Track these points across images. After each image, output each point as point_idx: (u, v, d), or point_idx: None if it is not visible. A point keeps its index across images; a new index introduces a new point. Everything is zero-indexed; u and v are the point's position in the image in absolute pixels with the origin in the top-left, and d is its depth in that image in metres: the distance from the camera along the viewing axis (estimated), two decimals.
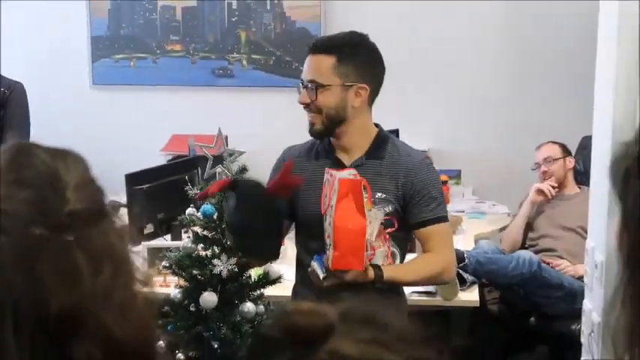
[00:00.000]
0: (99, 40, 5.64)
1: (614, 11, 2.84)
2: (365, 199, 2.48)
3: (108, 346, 1.02)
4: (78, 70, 5.62)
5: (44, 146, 1.10)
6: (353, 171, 2.57)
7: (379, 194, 2.63)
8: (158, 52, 5.62)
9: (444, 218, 2.74)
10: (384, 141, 2.78)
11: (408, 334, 0.90)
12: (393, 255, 2.63)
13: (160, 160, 4.95)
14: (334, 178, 2.49)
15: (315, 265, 2.52)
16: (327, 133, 2.72)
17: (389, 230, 2.59)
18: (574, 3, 4.87)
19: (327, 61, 2.65)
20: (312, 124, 2.70)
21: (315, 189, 2.65)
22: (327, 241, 2.49)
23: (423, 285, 2.87)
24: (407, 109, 5.32)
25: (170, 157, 4.99)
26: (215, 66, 5.54)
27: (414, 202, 2.68)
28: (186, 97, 5.55)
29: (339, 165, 2.70)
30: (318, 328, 0.88)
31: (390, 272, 2.56)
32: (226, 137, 4.12)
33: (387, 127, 5.08)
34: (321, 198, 2.57)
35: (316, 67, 2.67)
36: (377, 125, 2.82)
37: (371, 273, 2.48)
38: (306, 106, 2.67)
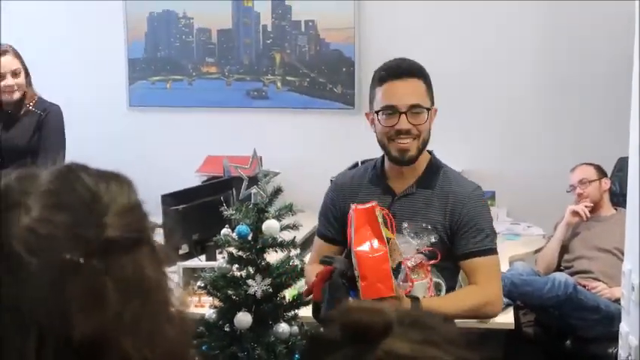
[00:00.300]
0: (136, 62, 5.69)
1: None
2: (385, 228, 2.46)
3: None
4: (115, 92, 5.66)
5: (92, 169, 1.09)
6: (373, 203, 2.53)
7: (424, 224, 2.57)
8: (194, 74, 5.65)
9: (491, 251, 2.68)
10: (436, 169, 2.76)
11: (455, 337, 0.92)
12: (437, 286, 2.60)
13: (195, 180, 4.97)
14: (351, 209, 2.48)
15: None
16: (416, 160, 2.67)
17: (432, 262, 2.58)
18: (610, 25, 4.84)
19: (422, 85, 2.65)
20: (405, 151, 2.63)
21: None
22: (356, 273, 2.45)
23: (464, 318, 2.74)
24: (441, 130, 5.28)
25: (205, 178, 5.00)
26: (250, 87, 5.55)
27: (461, 233, 2.65)
28: (221, 119, 5.57)
29: (390, 193, 2.70)
30: (379, 325, 0.89)
31: (427, 303, 2.48)
32: (261, 158, 4.15)
33: None
34: (347, 234, 2.53)
35: (416, 90, 2.63)
36: (430, 152, 2.79)
37: (407, 303, 2.40)
38: (405, 132, 2.60)
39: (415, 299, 2.45)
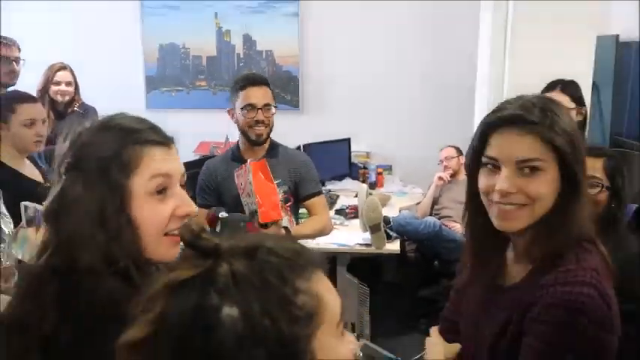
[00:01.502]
0: (150, 78, 5.57)
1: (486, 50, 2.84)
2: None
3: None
4: (137, 98, 5.54)
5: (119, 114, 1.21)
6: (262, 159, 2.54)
7: (277, 180, 2.56)
8: (190, 86, 5.55)
9: (320, 193, 2.76)
10: (276, 146, 2.75)
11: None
12: (292, 221, 2.63)
13: (193, 158, 4.87)
14: (245, 166, 2.44)
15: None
16: (266, 141, 2.68)
17: (289, 204, 2.59)
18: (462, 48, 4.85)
19: (269, 91, 2.67)
20: (260, 135, 2.62)
21: (232, 182, 2.56)
22: (252, 207, 2.40)
23: (314, 237, 2.83)
24: (356, 124, 5.30)
25: (199, 156, 4.93)
26: (229, 96, 5.40)
27: (301, 183, 2.69)
28: (209, 116, 5.46)
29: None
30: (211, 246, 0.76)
31: (293, 230, 2.54)
32: (232, 142, 4.13)
33: (341, 136, 5.12)
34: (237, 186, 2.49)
35: (266, 93, 2.66)
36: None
37: (282, 230, 2.42)
38: (261, 122, 2.60)
39: (286, 228, 2.46)
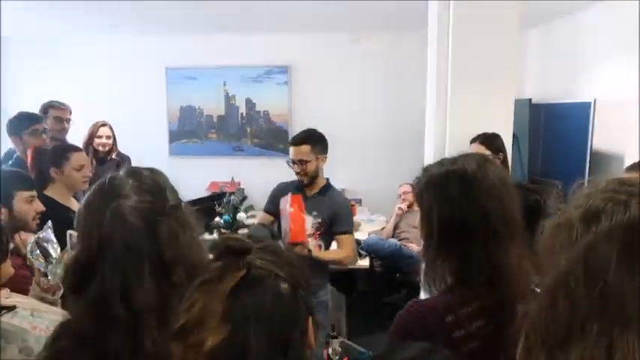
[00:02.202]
0: (173, 132, 5.57)
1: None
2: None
3: (190, 272, 1.00)
4: (162, 148, 5.55)
5: (144, 168, 1.11)
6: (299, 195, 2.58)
7: (316, 212, 2.63)
8: (204, 138, 5.56)
9: (349, 232, 2.75)
10: (328, 187, 2.79)
11: (294, 262, 0.88)
12: (320, 246, 2.65)
13: (206, 194, 4.85)
14: (286, 197, 2.49)
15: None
16: (309, 185, 2.70)
17: (318, 232, 2.62)
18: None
19: (307, 147, 2.67)
20: (301, 180, 2.67)
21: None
22: (286, 229, 2.45)
23: (336, 264, 2.82)
24: (335, 167, 5.31)
25: (210, 193, 4.92)
26: (234, 145, 5.49)
27: (336, 220, 2.70)
28: (219, 162, 5.49)
29: (304, 195, 2.69)
30: (241, 246, 0.86)
31: (316, 253, 2.55)
32: (239, 182, 4.11)
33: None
34: (279, 210, 2.57)
35: (302, 151, 2.66)
36: (327, 179, 2.83)
37: (306, 251, 2.45)
38: (297, 173, 2.66)
39: (309, 250, 2.48)
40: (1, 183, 1.99)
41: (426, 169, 1.23)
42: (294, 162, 2.67)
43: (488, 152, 2.68)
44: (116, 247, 0.97)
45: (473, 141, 2.75)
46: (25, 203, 1.99)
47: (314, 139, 2.72)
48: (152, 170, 1.10)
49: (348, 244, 2.76)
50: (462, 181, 1.15)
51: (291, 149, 2.69)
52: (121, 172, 1.08)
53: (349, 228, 2.77)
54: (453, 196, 1.14)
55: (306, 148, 2.69)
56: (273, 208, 2.78)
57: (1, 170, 2.25)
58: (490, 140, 2.75)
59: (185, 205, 1.09)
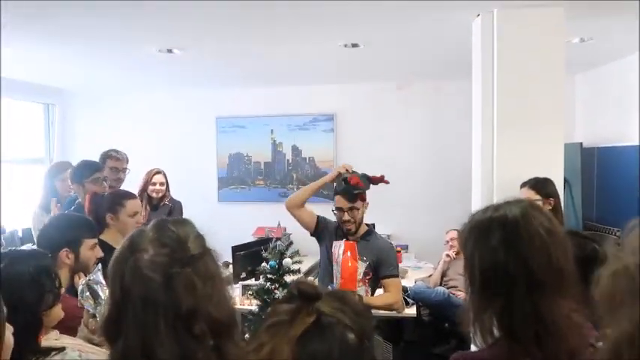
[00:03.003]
0: (222, 178, 5.72)
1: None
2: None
3: (211, 324, 1.00)
4: (211, 194, 5.69)
5: (171, 219, 1.11)
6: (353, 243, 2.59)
7: (364, 257, 2.61)
8: (251, 184, 5.67)
9: (396, 275, 2.73)
10: (370, 232, 2.81)
11: (360, 311, 0.88)
12: (367, 292, 2.63)
13: (252, 240, 4.90)
14: (340, 242, 2.48)
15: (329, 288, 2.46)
16: (356, 232, 2.73)
17: (367, 277, 2.59)
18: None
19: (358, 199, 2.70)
20: (349, 229, 2.70)
21: (329, 243, 2.70)
22: (337, 275, 2.44)
23: (384, 310, 2.75)
24: (380, 212, 5.27)
25: (256, 238, 4.96)
26: (281, 192, 5.57)
27: (382, 264, 2.69)
28: (265, 208, 5.55)
29: (346, 239, 2.71)
30: (313, 292, 0.86)
31: (367, 299, 2.55)
32: (285, 228, 4.13)
33: (367, 221, 5.06)
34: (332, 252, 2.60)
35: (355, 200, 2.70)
36: (367, 224, 2.84)
37: (357, 297, 2.40)
38: (347, 221, 2.68)
39: (360, 296, 2.46)
40: (71, 229, 2.07)
41: (471, 216, 1.21)
42: (341, 210, 2.66)
43: (537, 197, 2.60)
44: (135, 302, 0.98)
45: (523, 185, 2.68)
46: (90, 250, 2.08)
47: (362, 192, 2.75)
48: (178, 221, 1.10)
49: (397, 287, 2.72)
50: (503, 228, 1.12)
51: (340, 198, 2.69)
52: (149, 225, 1.10)
53: (396, 271, 2.74)
54: (494, 244, 1.11)
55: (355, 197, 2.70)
56: (316, 221, 2.82)
57: (71, 217, 2.35)
58: (540, 185, 2.67)
59: (210, 255, 1.08)
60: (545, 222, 1.14)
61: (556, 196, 2.68)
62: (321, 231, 2.77)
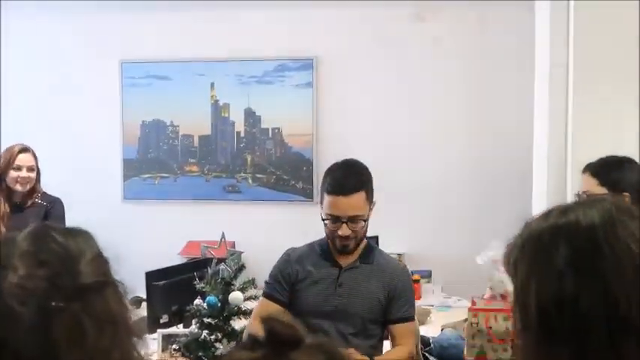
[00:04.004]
0: (130, 162, 5.73)
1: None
2: None
3: None
4: (111, 188, 5.70)
5: (58, 227, 1.13)
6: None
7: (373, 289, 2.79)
8: (178, 172, 5.71)
9: (413, 318, 2.87)
10: (372, 249, 2.91)
11: None
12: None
13: (178, 262, 4.92)
14: None
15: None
16: (354, 251, 2.83)
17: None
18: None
19: (362, 196, 2.77)
20: (345, 246, 2.78)
21: (316, 284, 2.78)
22: None
23: None
24: (385, 218, 5.33)
25: (186, 260, 4.97)
26: (226, 183, 5.62)
27: (395, 300, 2.79)
28: (200, 209, 5.59)
29: (337, 266, 2.82)
30: (291, 337, 0.91)
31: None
32: (234, 242, 4.15)
33: (368, 234, 5.14)
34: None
35: (357, 204, 2.75)
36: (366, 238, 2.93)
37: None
38: (345, 237, 2.74)
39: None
40: None
41: (526, 224, 1.26)
42: (337, 219, 2.73)
43: (601, 190, 2.68)
44: None
45: (584, 170, 2.78)
46: None
47: (367, 180, 2.82)
48: (69, 231, 1.13)
49: (411, 335, 2.83)
50: (573, 242, 1.16)
51: (334, 200, 2.74)
52: (22, 232, 1.12)
53: (412, 311, 2.85)
54: (560, 266, 1.15)
55: (360, 197, 2.75)
56: (282, 291, 2.83)
57: None
58: (607, 170, 2.76)
59: (114, 288, 1.11)
60: (638, 231, 1.17)
61: (634, 188, 2.75)
62: (292, 284, 2.84)
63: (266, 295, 2.89)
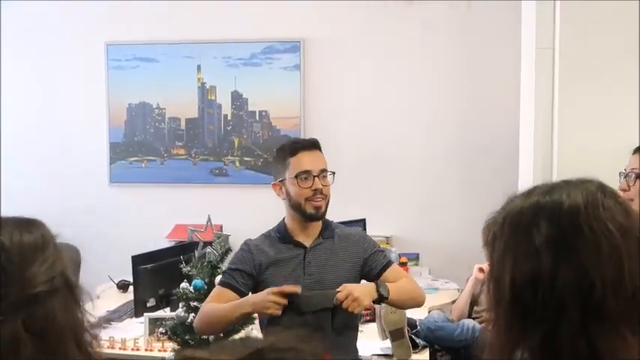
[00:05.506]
0: (116, 145, 5.72)
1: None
2: None
3: None
4: (97, 171, 5.68)
5: (11, 221, 1.04)
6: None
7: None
8: (165, 155, 5.70)
9: (392, 262, 2.99)
10: (329, 223, 2.93)
11: None
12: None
13: (165, 245, 4.93)
14: None
15: None
16: (325, 216, 2.85)
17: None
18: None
19: (323, 156, 2.84)
20: (319, 208, 2.78)
21: (282, 268, 2.75)
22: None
23: (413, 296, 2.95)
24: (373, 201, 5.36)
25: (173, 243, 4.98)
26: (213, 167, 5.63)
27: (370, 258, 2.86)
28: (188, 193, 5.61)
29: (301, 246, 2.81)
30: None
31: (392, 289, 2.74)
32: (221, 226, 4.17)
33: (354, 216, 5.20)
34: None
35: (322, 159, 2.81)
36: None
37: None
38: (320, 192, 2.75)
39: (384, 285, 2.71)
40: None
41: (507, 201, 1.24)
42: (309, 174, 2.76)
43: None
44: None
45: (635, 151, 2.77)
46: None
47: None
48: (18, 222, 1.06)
49: (401, 272, 3.02)
50: (553, 221, 1.15)
51: (302, 155, 2.80)
52: None
53: (387, 256, 2.98)
54: (538, 244, 1.14)
55: (322, 155, 2.85)
56: (242, 281, 2.76)
57: None
58: None
59: (69, 295, 1.04)
60: (621, 216, 1.16)
61: None
62: (257, 274, 2.79)
63: (223, 284, 2.75)
